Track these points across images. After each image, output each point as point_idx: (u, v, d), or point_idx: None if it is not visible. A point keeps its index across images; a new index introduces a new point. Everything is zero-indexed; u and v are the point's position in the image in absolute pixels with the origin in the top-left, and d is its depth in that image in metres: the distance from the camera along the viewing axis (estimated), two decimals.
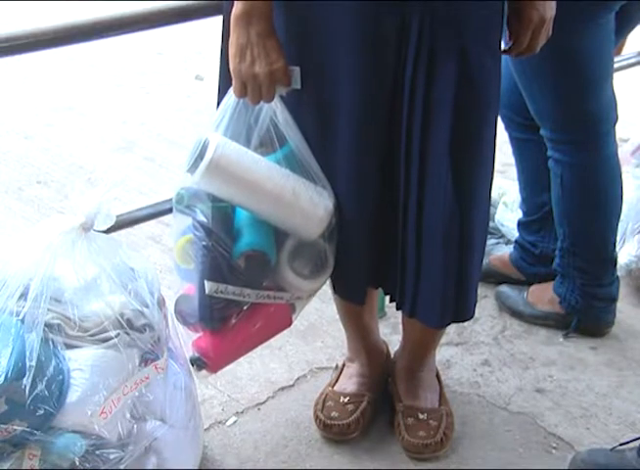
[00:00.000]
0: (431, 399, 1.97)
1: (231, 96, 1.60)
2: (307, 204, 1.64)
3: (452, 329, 2.23)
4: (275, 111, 1.62)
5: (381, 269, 1.78)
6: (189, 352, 1.73)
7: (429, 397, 1.98)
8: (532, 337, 2.29)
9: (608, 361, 2.21)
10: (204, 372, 1.74)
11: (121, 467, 1.56)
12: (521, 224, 2.42)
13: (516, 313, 2.35)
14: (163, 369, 1.64)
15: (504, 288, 2.40)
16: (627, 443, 1.80)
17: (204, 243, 1.61)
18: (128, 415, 1.58)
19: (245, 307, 1.71)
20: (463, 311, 1.80)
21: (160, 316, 1.65)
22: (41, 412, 1.48)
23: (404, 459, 1.90)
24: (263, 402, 2.05)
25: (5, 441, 1.48)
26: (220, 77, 1.71)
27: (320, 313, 2.33)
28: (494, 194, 2.27)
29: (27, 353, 1.47)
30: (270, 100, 1.58)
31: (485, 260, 2.33)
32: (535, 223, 2.36)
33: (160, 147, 3.34)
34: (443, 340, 2.08)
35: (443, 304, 1.74)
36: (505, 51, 1.69)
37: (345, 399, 1.96)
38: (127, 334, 1.57)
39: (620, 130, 2.21)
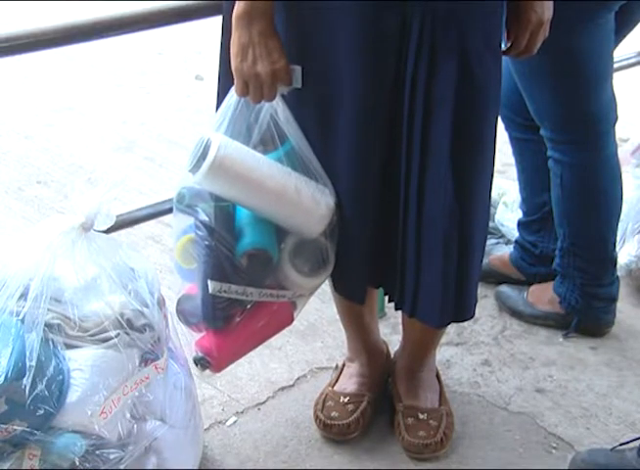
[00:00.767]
0: (431, 399, 1.97)
1: (232, 95, 1.61)
2: (309, 201, 1.65)
3: (452, 329, 2.23)
4: (276, 109, 1.62)
5: (381, 268, 1.78)
6: (192, 351, 1.73)
7: (429, 397, 1.98)
8: (532, 337, 2.29)
9: (608, 361, 2.21)
10: (207, 372, 1.74)
11: (121, 467, 1.56)
12: (521, 224, 2.41)
13: (516, 313, 2.35)
14: (163, 369, 1.64)
15: (504, 288, 2.40)
16: (627, 443, 1.80)
17: (206, 242, 1.61)
18: (128, 415, 1.58)
19: (248, 306, 1.71)
20: (463, 311, 1.80)
21: (160, 316, 1.65)
22: (41, 412, 1.48)
23: (404, 459, 1.90)
24: (263, 402, 2.05)
25: (5, 441, 1.49)
26: (220, 77, 1.71)
27: (320, 313, 2.33)
28: (494, 194, 2.27)
29: (27, 353, 1.47)
30: (272, 99, 1.58)
31: (485, 260, 2.33)
32: (535, 223, 2.36)
33: (161, 147, 3.34)
34: (443, 340, 2.08)
35: (443, 303, 1.74)
36: (503, 52, 1.69)
37: (345, 399, 1.96)
38: (127, 334, 1.57)
39: (620, 130, 2.21)
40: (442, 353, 2.17)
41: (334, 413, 1.94)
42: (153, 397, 1.63)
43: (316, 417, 1.95)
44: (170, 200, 1.68)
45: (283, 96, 1.61)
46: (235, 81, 1.57)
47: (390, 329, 2.26)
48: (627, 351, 2.25)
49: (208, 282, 1.62)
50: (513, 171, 2.48)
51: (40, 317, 1.51)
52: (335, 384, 2.02)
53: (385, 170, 1.67)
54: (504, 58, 1.68)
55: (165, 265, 2.38)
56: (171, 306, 1.72)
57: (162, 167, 3.16)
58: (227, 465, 1.88)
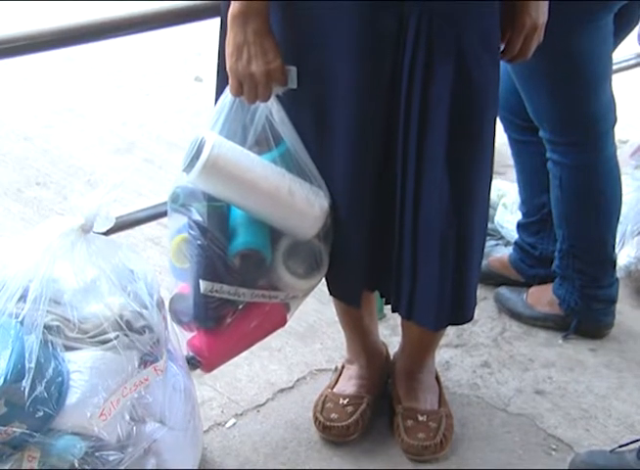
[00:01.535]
0: (430, 401, 1.97)
1: (227, 95, 1.61)
2: (303, 203, 1.65)
3: (451, 331, 2.23)
4: (271, 110, 1.62)
5: (376, 271, 1.78)
6: (184, 350, 1.73)
7: (428, 398, 1.98)
8: (532, 338, 2.29)
9: (607, 363, 2.21)
10: (198, 371, 1.75)
11: (121, 469, 1.56)
12: (520, 226, 2.41)
13: (515, 315, 2.35)
14: (163, 371, 1.64)
15: (503, 290, 2.40)
16: (627, 444, 1.81)
17: (199, 242, 1.61)
18: (127, 417, 1.58)
19: (240, 307, 1.71)
20: (462, 314, 1.80)
21: (160, 318, 1.65)
22: (40, 414, 1.48)
23: (404, 461, 1.90)
24: (263, 404, 2.05)
25: (4, 443, 1.48)
26: (218, 77, 1.71)
27: (319, 315, 2.33)
28: (493, 195, 2.27)
29: (27, 355, 1.47)
30: (266, 99, 1.58)
31: (485, 262, 2.33)
32: (535, 225, 2.36)
33: (160, 148, 3.34)
34: (443, 341, 2.08)
35: (440, 306, 1.74)
36: None
37: (345, 401, 1.96)
38: (126, 336, 1.57)
39: (619, 132, 2.21)
40: (442, 355, 2.17)
41: (333, 415, 1.94)
42: (152, 398, 1.63)
43: (315, 419, 1.95)
44: None
45: (278, 96, 1.61)
46: (230, 81, 1.57)
47: (390, 331, 2.26)
48: (627, 352, 2.25)
49: (200, 282, 1.62)
50: (512, 173, 2.48)
51: (39, 319, 1.50)
52: (334, 386, 2.02)
53: (380, 172, 1.67)
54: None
55: (165, 267, 2.37)
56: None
57: (162, 169, 3.16)
58: (226, 467, 1.88)
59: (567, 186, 2.14)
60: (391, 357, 2.08)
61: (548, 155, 2.16)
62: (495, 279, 2.45)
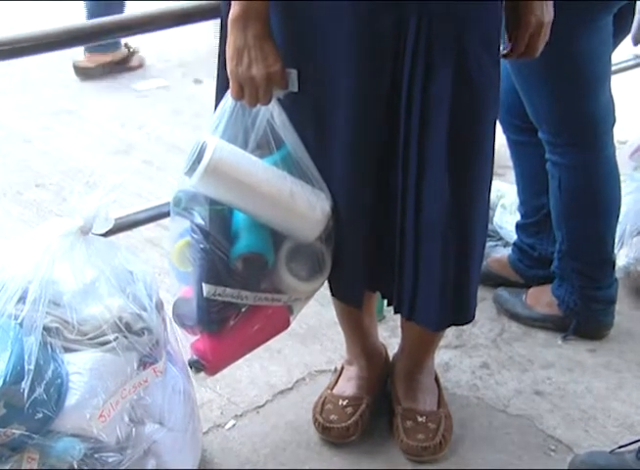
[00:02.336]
0: (429, 402, 1.97)
1: (228, 99, 1.60)
2: (305, 206, 1.65)
3: (451, 332, 2.23)
4: (272, 113, 1.62)
5: (378, 272, 1.78)
6: (187, 354, 1.73)
7: (427, 399, 1.98)
8: (531, 339, 2.29)
9: (606, 364, 2.21)
10: (202, 374, 1.75)
11: None
12: (519, 227, 2.42)
13: (514, 316, 2.35)
14: (162, 372, 1.64)
15: (502, 290, 2.40)
16: (626, 445, 1.80)
17: (201, 245, 1.61)
18: (127, 419, 1.58)
19: (243, 310, 1.71)
20: (463, 314, 1.80)
21: (159, 320, 1.65)
22: (40, 416, 1.48)
23: (403, 462, 1.90)
24: (262, 406, 2.05)
25: (4, 444, 1.48)
26: (218, 80, 1.71)
27: (319, 317, 2.33)
28: (493, 196, 2.26)
29: (26, 357, 1.47)
30: (267, 103, 1.58)
31: (484, 263, 2.32)
32: (534, 226, 2.36)
33: (159, 150, 3.34)
34: (442, 342, 2.08)
35: (441, 306, 1.74)
36: (504, 55, 1.69)
37: (344, 402, 1.96)
38: (126, 337, 1.57)
39: (619, 133, 2.21)
40: (441, 356, 2.17)
41: (333, 416, 1.94)
42: (151, 400, 1.63)
43: (315, 420, 1.95)
44: (169, 203, 1.68)
45: (279, 100, 1.61)
46: (230, 85, 1.57)
47: (389, 332, 2.26)
48: (626, 353, 2.25)
49: (203, 285, 1.62)
50: (511, 174, 2.48)
51: (39, 321, 1.51)
52: (334, 387, 2.02)
53: (382, 173, 1.67)
54: (502, 59, 1.67)
55: (164, 269, 2.37)
56: (170, 310, 1.72)
57: (161, 171, 3.16)
58: (226, 468, 1.88)
59: (566, 187, 2.14)
60: (391, 359, 2.07)
61: (547, 156, 2.16)
62: (494, 280, 2.45)
